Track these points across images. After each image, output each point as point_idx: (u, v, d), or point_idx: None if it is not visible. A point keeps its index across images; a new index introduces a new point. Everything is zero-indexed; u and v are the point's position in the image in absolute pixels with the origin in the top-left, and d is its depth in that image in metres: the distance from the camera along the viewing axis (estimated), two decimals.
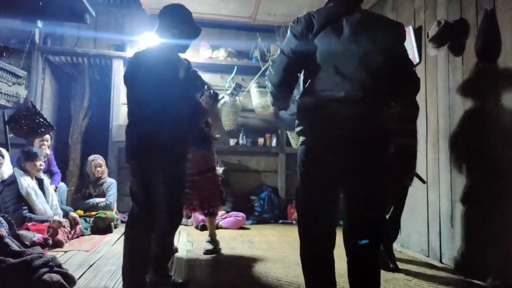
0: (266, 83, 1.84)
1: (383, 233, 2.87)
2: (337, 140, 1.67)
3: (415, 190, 3.32)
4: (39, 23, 3.38)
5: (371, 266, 1.70)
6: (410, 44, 3.50)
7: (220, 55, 5.33)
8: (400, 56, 1.76)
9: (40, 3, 3.08)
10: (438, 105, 3.16)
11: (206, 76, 5.07)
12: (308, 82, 1.73)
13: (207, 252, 3.17)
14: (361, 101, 1.63)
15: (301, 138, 1.78)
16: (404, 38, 1.81)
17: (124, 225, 4.12)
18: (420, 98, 3.38)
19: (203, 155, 3.22)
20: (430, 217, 3.23)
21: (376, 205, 1.73)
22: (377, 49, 1.68)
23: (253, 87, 5.09)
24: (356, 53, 1.66)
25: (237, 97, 5.00)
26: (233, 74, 5.07)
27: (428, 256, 3.21)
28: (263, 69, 5.02)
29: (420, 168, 3.31)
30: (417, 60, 3.43)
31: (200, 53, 5.24)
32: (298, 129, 1.78)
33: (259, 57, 5.26)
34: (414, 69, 1.87)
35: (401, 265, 2.89)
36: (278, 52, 1.78)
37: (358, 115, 1.64)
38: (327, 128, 1.68)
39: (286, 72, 1.74)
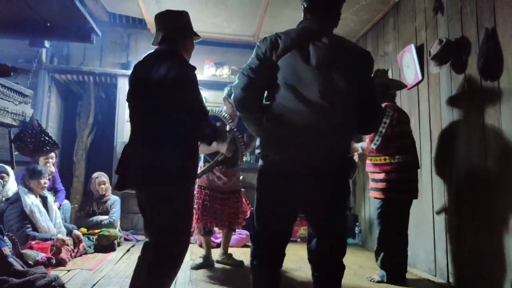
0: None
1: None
2: (292, 168, 1.65)
3: (421, 208, 3.30)
4: (47, 44, 3.43)
5: (336, 281, 1.74)
6: (413, 62, 3.53)
7: (224, 73, 5.39)
8: (365, 86, 1.74)
9: (48, 24, 3.14)
10: (442, 122, 3.16)
11: (210, 94, 5.16)
12: (269, 105, 1.70)
13: (234, 263, 3.38)
14: (319, 129, 1.61)
15: (260, 161, 1.79)
16: (371, 67, 1.81)
17: (127, 242, 4.11)
18: (423, 115, 3.41)
19: (237, 175, 3.46)
20: (436, 235, 3.19)
21: (336, 227, 1.75)
22: (341, 78, 1.65)
23: None
24: (319, 80, 1.62)
25: None
26: None
27: (436, 276, 3.16)
28: None
29: (425, 184, 3.30)
30: (420, 77, 3.45)
31: (204, 71, 5.29)
32: (257, 151, 1.78)
33: None
34: (378, 100, 1.85)
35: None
36: (241, 69, 1.76)
37: (315, 142, 1.62)
38: (283, 155, 1.67)
39: (246, 92, 1.70)
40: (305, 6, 1.83)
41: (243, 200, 3.50)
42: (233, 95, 1.78)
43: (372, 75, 1.84)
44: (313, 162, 1.63)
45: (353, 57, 1.73)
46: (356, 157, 3.02)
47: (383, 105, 2.92)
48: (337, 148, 1.69)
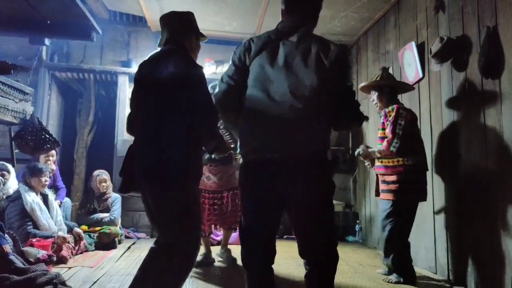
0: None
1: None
2: (267, 163, 1.69)
3: (422, 206, 3.30)
4: (47, 41, 3.42)
5: (328, 275, 1.76)
6: (413, 59, 3.53)
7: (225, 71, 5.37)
8: (339, 81, 1.74)
9: (48, 22, 3.13)
10: (443, 121, 3.16)
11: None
12: (245, 106, 1.76)
13: (230, 261, 3.34)
14: (287, 125, 1.65)
15: (241, 159, 1.83)
16: (344, 62, 1.77)
17: (128, 240, 4.12)
18: (424, 113, 3.41)
19: (230, 172, 3.36)
20: (437, 233, 3.20)
21: (320, 216, 1.74)
22: (308, 74, 1.68)
23: None
24: (284, 77, 1.68)
25: None
26: None
27: (436, 273, 3.17)
28: None
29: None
30: (421, 75, 3.45)
31: (205, 68, 5.27)
32: (238, 150, 1.83)
33: None
34: (352, 93, 1.84)
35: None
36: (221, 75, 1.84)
37: (284, 138, 1.66)
38: (257, 152, 1.71)
39: (225, 97, 1.80)
40: (282, 8, 1.90)
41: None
42: (216, 101, 1.86)
43: (348, 69, 1.81)
44: (283, 156, 1.66)
45: (322, 53, 1.72)
46: (367, 165, 3.04)
47: (395, 107, 2.92)
48: (307, 142, 1.69)
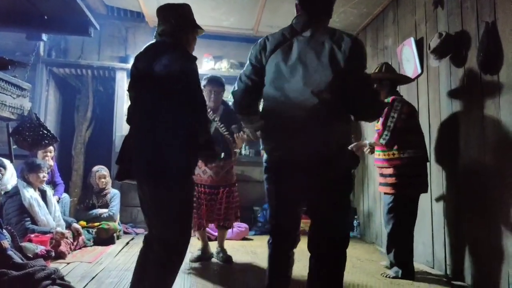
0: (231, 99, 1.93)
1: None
2: (288, 158, 1.78)
3: (420, 201, 3.31)
4: (44, 37, 3.41)
5: (333, 273, 1.83)
6: (412, 55, 3.53)
7: (223, 67, 5.37)
8: (353, 72, 1.73)
9: (45, 17, 3.12)
10: (441, 116, 3.16)
11: None
12: (263, 104, 1.85)
13: (225, 259, 3.26)
14: (305, 120, 1.69)
15: (264, 156, 1.92)
16: (358, 53, 1.75)
17: (127, 236, 4.12)
18: (422, 108, 3.41)
19: (227, 168, 3.28)
20: (435, 228, 3.21)
21: (337, 212, 1.82)
22: (324, 67, 1.70)
23: None
24: (298, 73, 1.71)
25: None
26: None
27: (433, 268, 3.18)
28: None
29: None
30: (419, 71, 3.45)
31: (203, 64, 5.27)
32: (261, 146, 1.92)
33: None
34: (369, 83, 1.87)
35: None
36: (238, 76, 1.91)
37: (303, 133, 1.71)
38: (280, 148, 1.80)
39: (243, 96, 1.88)
40: (296, 3, 1.91)
41: (236, 195, 3.34)
42: (234, 99, 1.92)
43: (362, 60, 1.79)
44: (304, 150, 1.72)
45: (335, 46, 1.72)
46: (365, 150, 3.00)
47: (390, 98, 2.92)
48: (326, 136, 1.73)
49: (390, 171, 2.91)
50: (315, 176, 1.75)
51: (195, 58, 1.91)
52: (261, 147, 1.91)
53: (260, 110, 1.89)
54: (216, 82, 3.26)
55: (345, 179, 1.85)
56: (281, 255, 1.93)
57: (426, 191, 2.99)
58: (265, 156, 1.91)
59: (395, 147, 2.89)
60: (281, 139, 1.78)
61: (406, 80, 3.25)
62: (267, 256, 1.96)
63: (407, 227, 2.95)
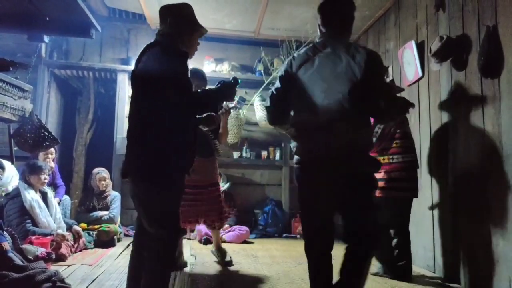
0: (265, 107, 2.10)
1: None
2: (317, 163, 1.92)
3: (420, 205, 3.30)
4: (46, 38, 3.41)
5: (364, 258, 1.92)
6: (413, 58, 3.53)
7: (224, 69, 5.37)
8: (373, 83, 1.92)
9: (47, 19, 3.13)
10: (442, 120, 3.16)
11: None
12: (295, 113, 2.03)
13: (227, 263, 3.21)
14: (330, 128, 1.86)
15: (295, 157, 2.04)
16: (377, 65, 1.97)
17: (127, 238, 4.11)
18: (423, 112, 3.41)
19: (208, 167, 3.18)
20: (435, 232, 3.20)
21: (368, 211, 1.94)
22: (341, 78, 1.89)
23: (256, 100, 5.13)
24: (322, 84, 1.90)
25: (240, 111, 5.04)
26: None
27: (434, 272, 3.17)
28: (266, 82, 5.07)
29: (424, 182, 3.31)
30: (420, 74, 3.45)
31: (204, 66, 5.28)
32: (293, 150, 2.04)
33: (262, 71, 5.30)
34: (387, 89, 2.10)
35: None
36: (270, 90, 2.10)
37: (328, 140, 1.87)
38: (311, 151, 1.95)
39: (276, 108, 2.06)
40: (318, 23, 2.08)
41: (218, 194, 3.22)
42: (266, 113, 2.12)
43: (376, 70, 1.99)
44: (333, 151, 1.88)
45: (350, 59, 1.91)
46: None
47: None
48: (350, 141, 1.88)
49: (380, 175, 2.95)
50: (345, 176, 1.88)
51: (181, 53, 1.94)
52: (294, 151, 2.04)
53: (292, 120, 2.07)
54: (197, 76, 3.07)
55: (370, 178, 2.00)
56: (325, 259, 1.97)
57: (415, 196, 3.00)
58: (296, 158, 2.03)
59: (384, 153, 2.96)
60: (312, 143, 1.94)
61: (399, 90, 3.26)
62: (310, 265, 1.99)
63: (395, 228, 2.99)
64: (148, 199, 1.92)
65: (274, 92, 2.06)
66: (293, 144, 2.06)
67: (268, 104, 2.08)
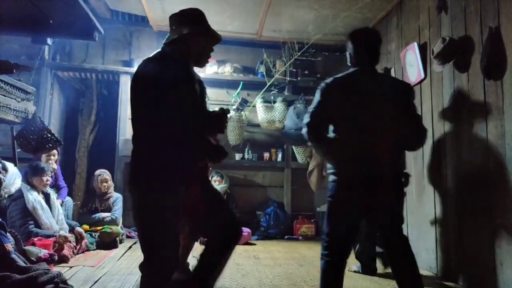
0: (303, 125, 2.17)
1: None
2: (358, 182, 2.07)
3: (423, 207, 3.30)
4: (49, 41, 3.43)
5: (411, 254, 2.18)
6: (415, 60, 3.52)
7: (226, 71, 5.38)
8: (407, 112, 2.17)
9: (51, 22, 3.14)
10: (444, 121, 3.16)
11: (212, 92, 5.16)
12: (335, 132, 2.15)
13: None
14: (371, 149, 2.06)
15: (331, 177, 2.16)
16: (411, 96, 2.22)
17: (129, 240, 4.11)
18: (426, 114, 3.40)
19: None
20: (438, 233, 3.19)
21: (399, 217, 2.22)
22: (384, 108, 2.10)
23: (258, 102, 5.14)
24: (366, 110, 2.07)
25: (242, 112, 5.05)
26: (239, 89, 5.12)
27: (437, 274, 3.16)
28: (268, 84, 5.08)
29: (427, 184, 3.30)
30: (422, 76, 3.45)
31: (206, 68, 5.29)
32: (329, 170, 2.18)
33: (264, 73, 5.30)
34: (420, 121, 2.28)
35: None
36: (308, 111, 2.18)
37: (369, 160, 2.06)
38: (350, 172, 2.09)
39: (311, 128, 2.11)
40: (350, 56, 2.24)
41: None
42: (305, 131, 2.14)
43: (413, 102, 2.24)
44: (371, 174, 2.06)
45: (390, 89, 2.16)
46: None
47: None
48: (388, 164, 2.12)
49: None
50: (379, 194, 2.08)
51: (173, 64, 1.84)
52: (330, 170, 2.17)
53: (330, 138, 2.17)
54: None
55: (402, 193, 2.26)
56: (341, 267, 2.10)
57: None
58: (332, 177, 2.15)
59: None
60: (351, 164, 2.09)
61: None
62: (323, 270, 2.09)
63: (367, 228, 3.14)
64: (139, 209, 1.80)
65: (313, 111, 2.11)
66: (333, 162, 2.16)
67: (308, 121, 2.11)
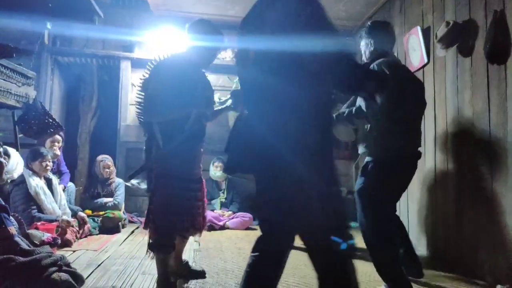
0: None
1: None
2: (406, 160, 2.35)
3: (423, 193, 3.30)
4: (48, 25, 3.41)
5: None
6: (418, 44, 3.48)
7: (227, 56, 5.34)
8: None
9: (50, 5, 3.11)
10: (447, 106, 3.14)
11: (213, 77, 5.11)
12: (379, 123, 2.28)
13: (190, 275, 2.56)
14: (418, 129, 2.43)
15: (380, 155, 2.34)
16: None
17: (132, 225, 4.13)
18: (428, 99, 3.37)
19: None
20: (438, 220, 3.20)
21: None
22: (420, 97, 2.50)
23: None
24: (409, 97, 2.34)
25: None
26: None
27: (436, 259, 3.18)
28: None
29: (428, 171, 3.30)
30: (425, 60, 3.41)
31: None
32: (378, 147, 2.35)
33: None
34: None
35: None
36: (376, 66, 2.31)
37: (414, 141, 2.40)
38: (400, 150, 2.30)
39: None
40: (371, 41, 2.41)
41: (204, 193, 2.49)
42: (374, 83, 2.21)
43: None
44: (413, 152, 2.39)
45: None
46: None
47: None
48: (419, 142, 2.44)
49: None
50: (413, 171, 2.41)
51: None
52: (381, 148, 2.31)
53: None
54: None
55: None
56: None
57: None
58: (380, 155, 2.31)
59: None
60: (400, 142, 2.28)
61: None
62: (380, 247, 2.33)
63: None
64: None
65: (384, 74, 2.17)
66: (380, 141, 2.29)
67: (381, 73, 2.17)
